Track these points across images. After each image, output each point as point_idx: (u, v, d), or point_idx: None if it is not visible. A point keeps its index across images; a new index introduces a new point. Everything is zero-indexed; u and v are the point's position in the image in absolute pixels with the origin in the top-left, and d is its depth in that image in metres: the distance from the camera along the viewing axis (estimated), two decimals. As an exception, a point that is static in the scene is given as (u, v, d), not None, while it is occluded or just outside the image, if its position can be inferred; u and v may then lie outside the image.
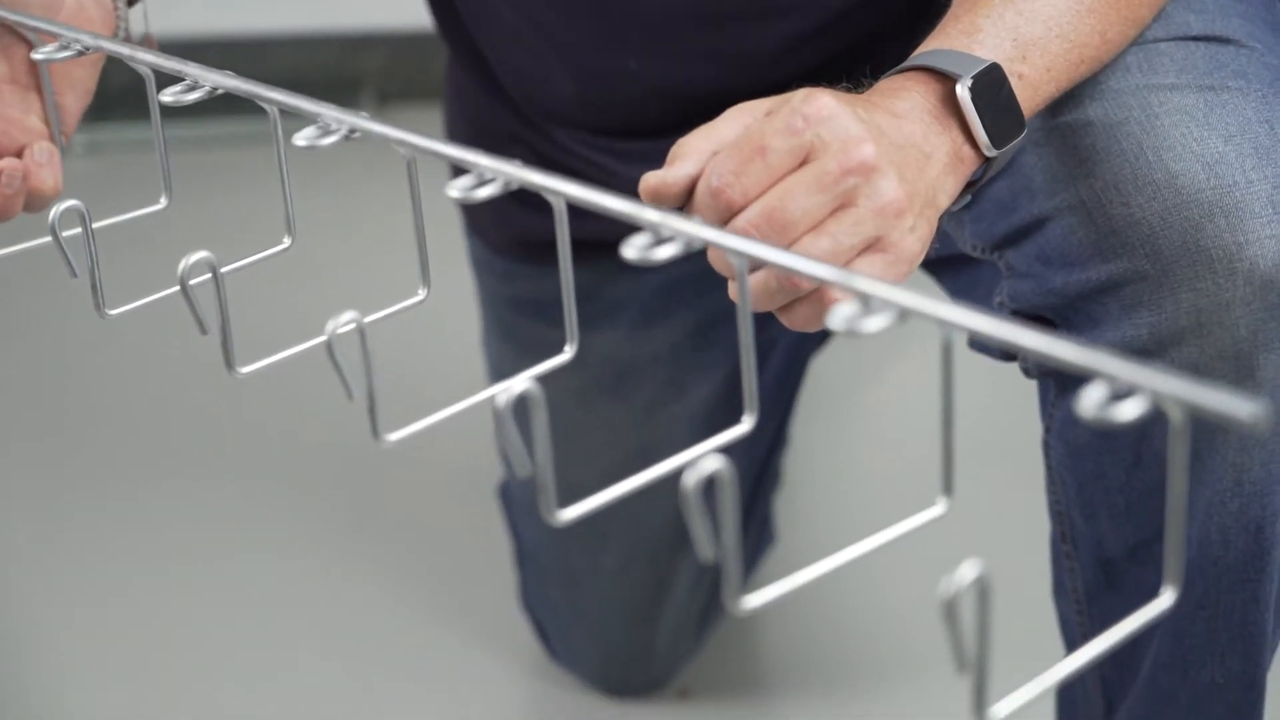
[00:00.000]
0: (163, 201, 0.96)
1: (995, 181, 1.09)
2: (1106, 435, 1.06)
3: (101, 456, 1.86)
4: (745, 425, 0.77)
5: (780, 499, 1.65)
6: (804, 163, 0.83)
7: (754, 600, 0.65)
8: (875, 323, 0.65)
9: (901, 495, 1.68)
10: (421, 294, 0.88)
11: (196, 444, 1.87)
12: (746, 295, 0.73)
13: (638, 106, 1.22)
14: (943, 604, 0.56)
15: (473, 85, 1.32)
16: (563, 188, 0.76)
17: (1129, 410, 0.57)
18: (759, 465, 1.49)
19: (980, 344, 1.16)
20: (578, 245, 1.36)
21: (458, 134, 1.36)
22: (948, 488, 0.69)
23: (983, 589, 0.57)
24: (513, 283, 1.37)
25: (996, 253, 1.09)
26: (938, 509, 0.69)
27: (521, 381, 0.65)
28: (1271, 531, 1.04)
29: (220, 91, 0.87)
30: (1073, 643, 1.17)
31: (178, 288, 0.81)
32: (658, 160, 1.27)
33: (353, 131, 0.82)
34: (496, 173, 0.77)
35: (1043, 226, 1.05)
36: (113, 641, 1.60)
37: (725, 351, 1.35)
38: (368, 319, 0.76)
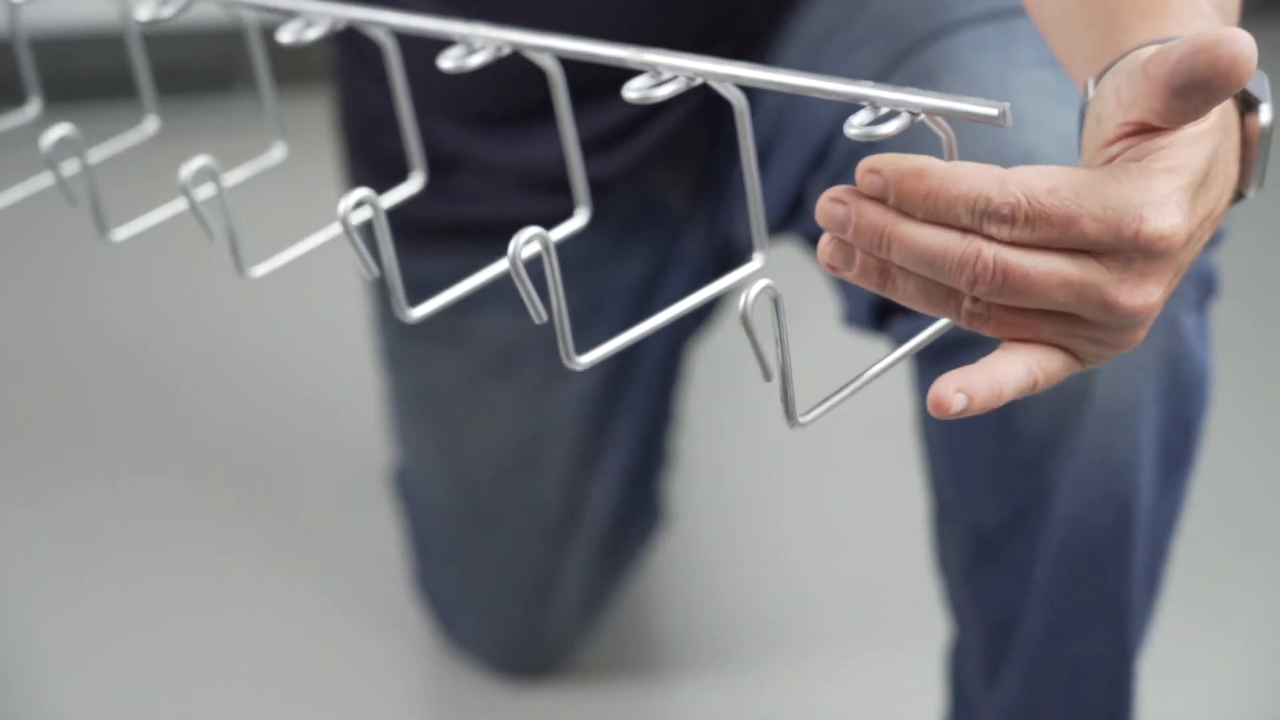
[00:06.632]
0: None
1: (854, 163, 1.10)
2: None
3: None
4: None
5: (679, 480, 1.66)
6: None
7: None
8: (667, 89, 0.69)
9: (800, 469, 1.71)
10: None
11: (81, 432, 1.86)
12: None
13: (509, 82, 1.19)
14: (740, 317, 0.64)
15: (355, 74, 1.30)
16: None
17: (891, 127, 0.65)
18: (642, 444, 1.45)
19: (856, 320, 1.16)
20: (462, 228, 1.34)
21: (347, 125, 1.34)
22: (760, 244, 0.76)
23: (775, 301, 0.63)
24: (403, 265, 1.36)
25: None
26: (756, 263, 0.76)
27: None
28: (1136, 507, 1.07)
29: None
30: (958, 616, 1.19)
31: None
32: (535, 145, 1.25)
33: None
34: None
35: None
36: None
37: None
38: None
